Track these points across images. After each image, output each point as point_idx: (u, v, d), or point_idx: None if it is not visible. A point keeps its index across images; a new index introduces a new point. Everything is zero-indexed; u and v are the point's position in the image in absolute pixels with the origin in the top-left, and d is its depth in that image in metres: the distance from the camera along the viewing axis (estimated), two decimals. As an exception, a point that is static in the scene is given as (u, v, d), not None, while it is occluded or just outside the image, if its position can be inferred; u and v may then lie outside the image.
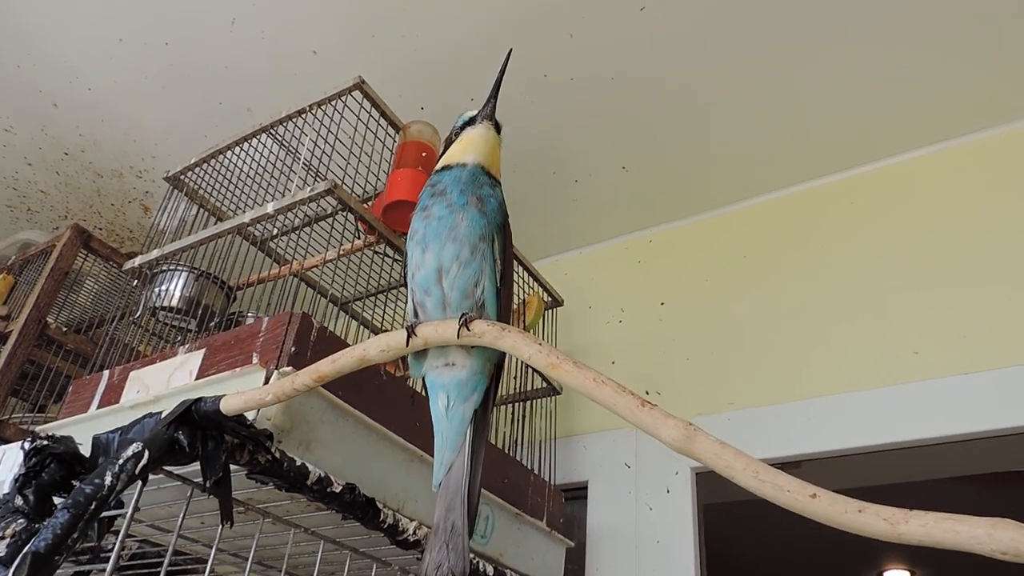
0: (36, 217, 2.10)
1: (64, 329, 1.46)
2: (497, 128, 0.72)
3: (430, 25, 1.52)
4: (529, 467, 1.45)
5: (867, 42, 1.43)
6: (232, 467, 0.80)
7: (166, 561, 0.84)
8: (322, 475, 0.90)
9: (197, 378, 0.99)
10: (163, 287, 1.25)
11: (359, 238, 1.21)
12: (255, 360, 0.94)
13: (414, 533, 1.00)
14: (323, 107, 1.26)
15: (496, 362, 0.62)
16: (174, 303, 1.24)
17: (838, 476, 1.52)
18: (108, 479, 0.65)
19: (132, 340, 1.27)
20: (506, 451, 1.43)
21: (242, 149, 1.36)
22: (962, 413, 1.31)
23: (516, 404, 1.50)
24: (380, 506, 0.96)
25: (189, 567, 1.14)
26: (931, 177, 1.59)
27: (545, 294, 1.64)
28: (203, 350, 1.03)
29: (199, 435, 0.76)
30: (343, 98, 1.24)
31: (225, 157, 1.38)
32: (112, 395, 1.08)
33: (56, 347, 1.46)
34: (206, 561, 0.97)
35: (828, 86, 1.52)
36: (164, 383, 1.03)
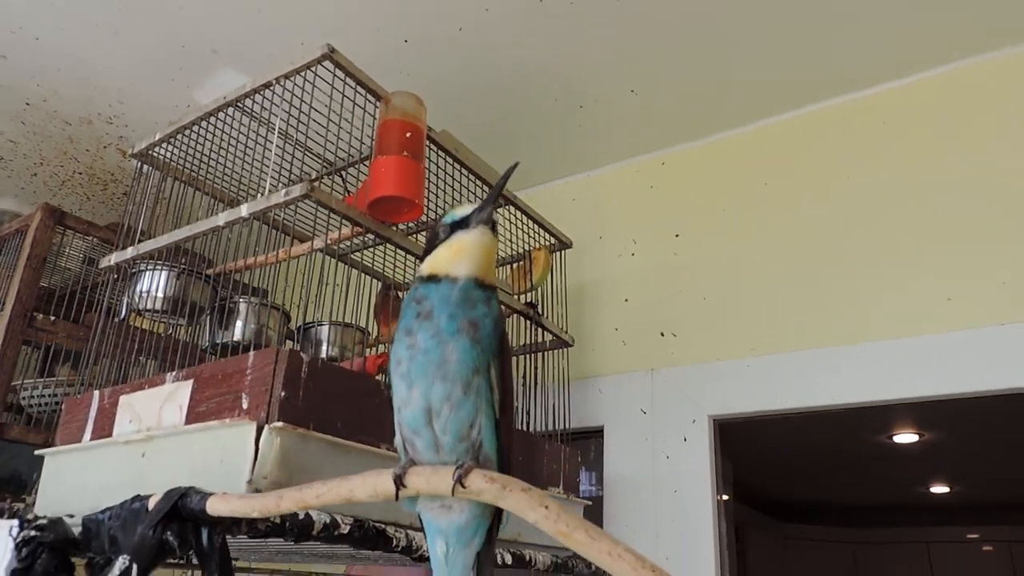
0: (10, 166, 1.99)
1: (52, 318, 1.41)
2: (493, 229, 0.61)
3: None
4: (543, 414, 1.43)
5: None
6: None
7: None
8: (327, 521, 0.86)
9: (187, 417, 0.94)
10: (144, 289, 1.17)
11: (346, 225, 1.12)
12: (244, 404, 0.88)
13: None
14: (291, 78, 1.12)
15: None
16: (157, 305, 1.17)
17: (860, 427, 1.49)
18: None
19: (120, 337, 1.21)
20: (517, 408, 1.40)
21: (209, 123, 1.23)
22: (996, 366, 1.25)
23: (527, 355, 1.45)
24: (391, 533, 0.94)
25: None
26: (983, 92, 1.43)
27: (552, 238, 1.55)
28: (191, 381, 0.97)
29: (189, 528, 0.72)
30: (313, 68, 1.10)
31: (194, 130, 1.25)
32: (104, 422, 1.04)
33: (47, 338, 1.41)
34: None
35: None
36: (155, 416, 0.98)
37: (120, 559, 0.66)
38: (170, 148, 1.29)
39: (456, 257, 0.58)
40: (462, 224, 0.59)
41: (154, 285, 1.17)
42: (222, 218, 1.08)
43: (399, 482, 0.53)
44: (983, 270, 1.31)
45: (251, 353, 0.92)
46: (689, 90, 1.59)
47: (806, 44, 1.45)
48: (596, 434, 1.62)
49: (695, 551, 1.40)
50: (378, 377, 1.04)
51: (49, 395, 1.58)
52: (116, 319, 1.20)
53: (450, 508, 0.55)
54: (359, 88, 1.14)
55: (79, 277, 1.64)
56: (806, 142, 1.58)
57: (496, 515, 0.58)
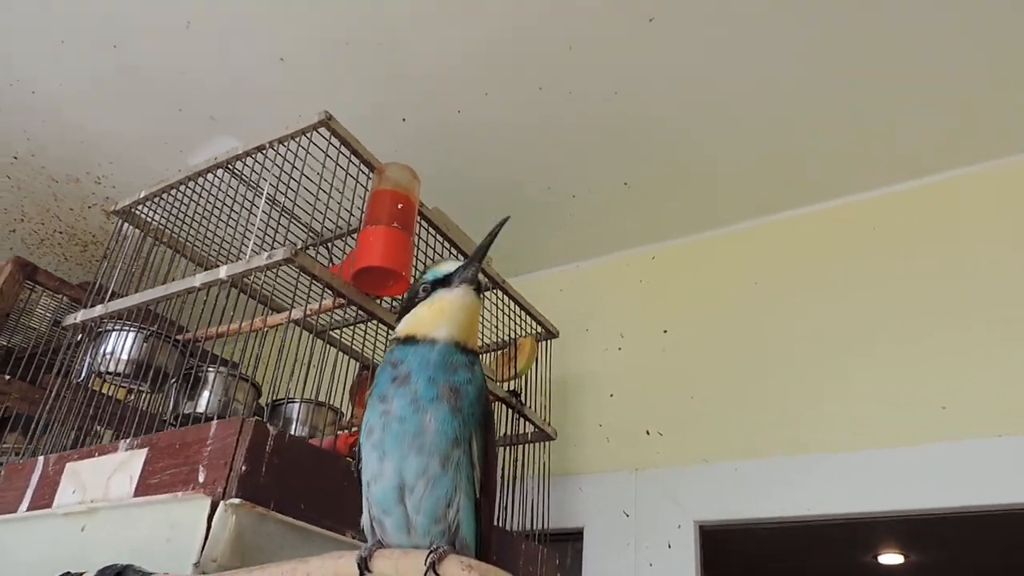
0: (-11, 221, 1.94)
1: (7, 377, 1.33)
2: (478, 290, 0.57)
3: (414, 35, 1.35)
4: (521, 514, 1.35)
5: (883, 59, 1.27)
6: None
7: None
8: (278, 615, 0.78)
9: (137, 489, 0.86)
10: (108, 350, 1.11)
11: (328, 296, 1.07)
12: (201, 478, 0.81)
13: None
14: (285, 143, 1.10)
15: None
16: (120, 368, 1.10)
17: (845, 545, 1.42)
18: None
19: (77, 401, 1.13)
20: (496, 499, 1.32)
21: (197, 184, 1.20)
22: (994, 479, 1.20)
23: (507, 448, 1.39)
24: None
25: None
26: (977, 197, 1.44)
27: (539, 327, 1.51)
28: (146, 450, 0.90)
29: (125, 610, 0.64)
30: (308, 134, 1.08)
31: (179, 191, 1.22)
32: (46, 491, 0.96)
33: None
34: None
35: (847, 102, 1.36)
36: (102, 486, 0.90)
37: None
38: (154, 208, 1.26)
39: (437, 318, 0.54)
40: (444, 282, 0.55)
41: (119, 346, 1.11)
42: (199, 279, 1.04)
43: (364, 565, 0.47)
44: (978, 377, 1.28)
45: (213, 422, 0.86)
46: (681, 187, 1.60)
47: (798, 149, 1.47)
48: (575, 535, 1.53)
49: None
50: (349, 458, 0.97)
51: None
52: (75, 381, 1.12)
53: (421, 599, 0.48)
54: (353, 157, 1.13)
55: (43, 338, 1.57)
56: (798, 243, 1.58)
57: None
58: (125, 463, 0.90)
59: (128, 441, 0.92)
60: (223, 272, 1.01)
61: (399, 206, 1.05)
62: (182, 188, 1.22)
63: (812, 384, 1.42)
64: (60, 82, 1.54)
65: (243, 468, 0.79)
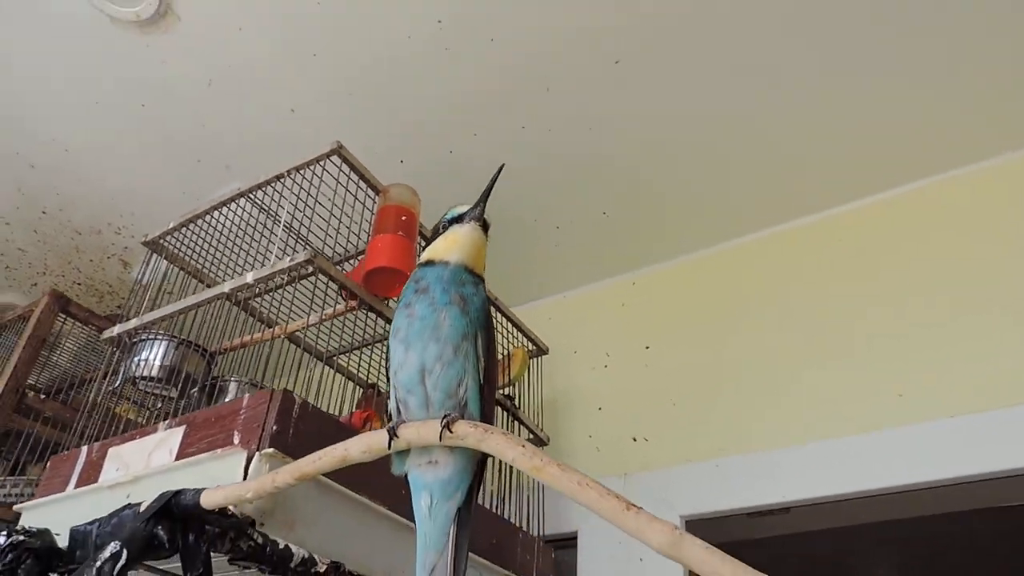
0: (14, 274, 2.08)
1: (42, 396, 1.44)
2: (485, 228, 0.73)
3: (409, 84, 1.53)
4: (517, 519, 1.44)
5: (842, 84, 1.45)
6: (213, 554, 0.79)
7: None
8: (306, 556, 0.88)
9: (177, 457, 0.97)
10: (142, 356, 1.23)
11: (340, 303, 1.21)
12: (236, 440, 0.93)
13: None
14: (301, 171, 1.26)
15: (479, 458, 0.62)
16: (153, 373, 1.23)
17: (827, 521, 1.52)
18: (86, 585, 0.64)
19: (113, 405, 1.25)
20: (493, 505, 1.42)
21: (221, 213, 1.35)
22: (949, 457, 1.32)
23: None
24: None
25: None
26: (913, 217, 1.61)
27: (529, 344, 1.64)
28: (183, 427, 1.01)
29: (179, 527, 0.75)
30: (321, 162, 1.24)
31: (204, 221, 1.37)
32: (90, 473, 1.07)
33: (35, 414, 1.44)
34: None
35: (803, 129, 1.54)
36: (144, 462, 1.01)
37: (112, 543, 0.68)
38: (180, 238, 1.41)
39: (451, 247, 0.68)
40: (458, 220, 0.70)
41: (153, 354, 1.24)
42: (227, 286, 1.17)
43: (392, 433, 0.59)
44: (929, 368, 1.41)
45: (245, 395, 0.98)
46: (655, 215, 1.76)
47: (764, 172, 1.65)
48: (570, 540, 1.62)
49: (670, 654, 1.37)
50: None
51: (16, 494, 1.57)
52: (110, 388, 1.24)
53: (436, 464, 0.60)
54: (360, 183, 1.29)
55: (68, 375, 1.68)
56: (764, 261, 1.73)
57: (477, 475, 0.63)
58: (164, 440, 1.02)
59: (167, 422, 1.04)
60: (250, 277, 1.15)
61: (403, 218, 1.21)
62: (207, 219, 1.37)
63: (781, 386, 1.55)
64: (91, 140, 1.71)
65: (274, 428, 0.92)
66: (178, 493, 0.74)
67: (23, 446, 1.54)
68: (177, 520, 0.74)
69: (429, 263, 0.68)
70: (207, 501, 0.72)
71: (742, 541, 1.74)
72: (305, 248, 1.38)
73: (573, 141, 1.60)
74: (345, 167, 1.26)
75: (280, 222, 1.26)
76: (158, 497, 0.75)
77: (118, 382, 1.24)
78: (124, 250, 2.00)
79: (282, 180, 1.28)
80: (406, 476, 0.63)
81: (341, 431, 1.02)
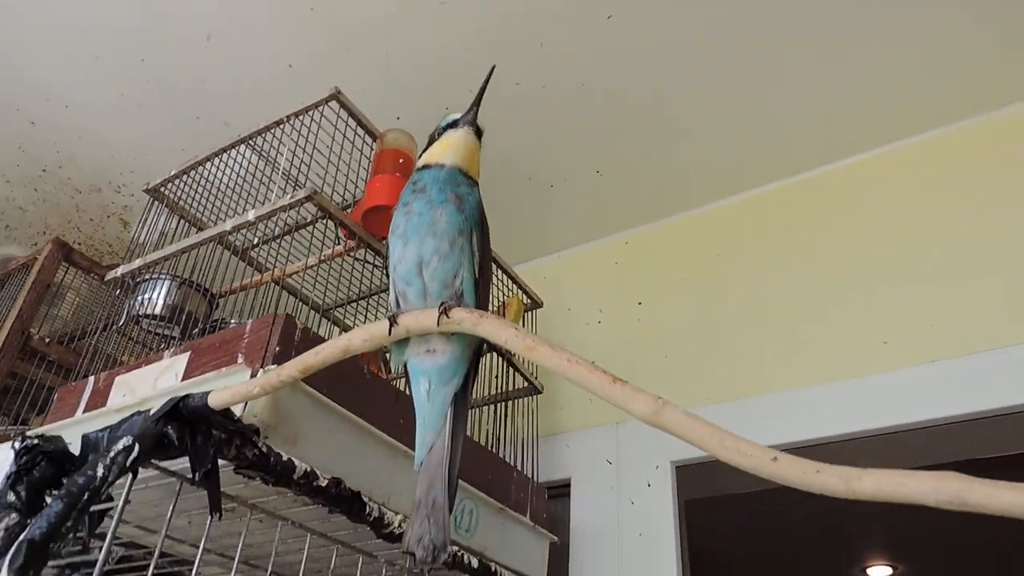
0: (14, 234, 2.10)
1: (47, 340, 1.47)
2: (478, 133, 0.76)
3: (405, 39, 1.56)
4: (512, 465, 1.48)
5: (833, 44, 1.48)
6: (220, 462, 0.82)
7: (153, 562, 0.85)
8: (308, 469, 0.92)
9: (183, 379, 1.01)
10: (146, 295, 1.26)
11: (339, 244, 1.24)
12: (240, 360, 0.96)
13: (399, 526, 1.03)
14: (300, 117, 1.28)
15: (475, 348, 0.65)
16: (157, 311, 1.26)
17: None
18: (100, 471, 0.67)
19: (115, 350, 1.28)
20: (490, 448, 1.46)
21: (221, 160, 1.38)
22: (930, 399, 1.36)
23: (498, 404, 1.53)
24: (366, 499, 0.99)
25: (175, 570, 1.15)
26: (894, 174, 1.65)
27: (524, 296, 1.67)
28: (188, 353, 1.05)
29: (187, 430, 0.78)
30: (320, 108, 1.27)
31: (205, 168, 1.40)
32: (98, 399, 1.10)
33: (39, 359, 1.47)
34: (192, 563, 0.98)
35: (794, 88, 1.57)
36: (151, 386, 1.05)
37: (125, 438, 0.72)
38: (180, 186, 1.44)
39: (445, 150, 0.72)
40: (452, 126, 0.73)
41: (156, 293, 1.27)
42: (230, 223, 1.20)
43: (392, 321, 0.63)
44: (913, 316, 1.45)
45: (249, 321, 1.01)
46: (648, 174, 1.79)
47: (754, 133, 1.68)
48: (564, 486, 1.66)
49: (660, 590, 1.41)
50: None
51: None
52: (114, 327, 1.28)
53: (434, 352, 0.64)
54: (359, 129, 1.31)
55: (68, 328, 1.71)
56: (753, 219, 1.77)
57: (473, 363, 0.66)
58: (170, 366, 1.05)
59: (172, 350, 1.07)
60: (251, 214, 1.18)
61: (400, 160, 1.24)
62: (207, 167, 1.40)
63: (768, 340, 1.59)
64: (91, 96, 1.74)
65: (276, 349, 0.95)
66: (186, 397, 0.78)
67: (25, 395, 1.57)
68: (186, 423, 0.77)
69: (426, 167, 0.71)
70: (215, 400, 0.75)
71: (732, 490, 1.79)
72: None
73: (566, 98, 1.63)
74: (343, 113, 1.29)
75: (279, 169, 1.29)
76: (167, 401, 0.78)
77: (122, 321, 1.27)
78: (124, 208, 2.02)
79: (281, 126, 1.31)
80: (406, 367, 0.66)
81: (340, 361, 1.05)
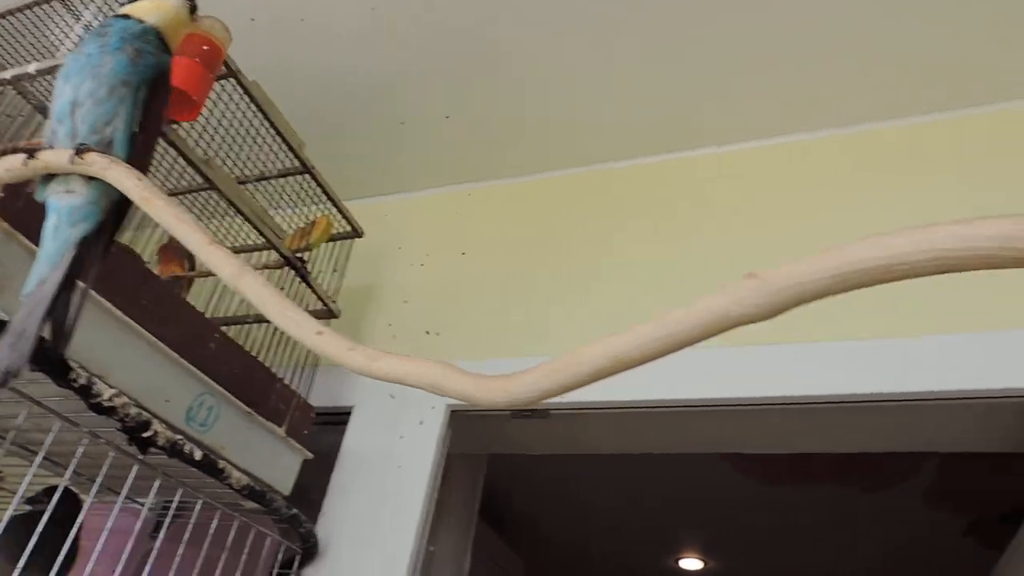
0: None
1: None
2: (192, 8, 0.76)
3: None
4: (281, 379, 1.49)
5: (675, 46, 1.53)
6: None
7: None
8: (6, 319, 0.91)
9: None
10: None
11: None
12: (-42, 200, 0.94)
13: (110, 400, 1.03)
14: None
15: (115, 199, 0.66)
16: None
17: (591, 426, 1.62)
18: None
19: None
20: (268, 365, 1.46)
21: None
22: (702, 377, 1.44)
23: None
24: (73, 364, 0.98)
25: None
26: (721, 171, 1.72)
27: (347, 224, 1.68)
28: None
29: None
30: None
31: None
32: None
33: None
34: None
35: (637, 79, 1.62)
36: None
37: None
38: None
39: (152, 10, 0.72)
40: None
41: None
42: (8, 73, 1.17)
43: (32, 154, 0.63)
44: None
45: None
46: (494, 130, 1.82)
47: (582, 112, 1.72)
48: (345, 415, 1.69)
49: (406, 517, 1.46)
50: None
51: None
52: None
53: (72, 192, 0.64)
54: None
55: None
56: (579, 195, 1.83)
57: (111, 216, 0.67)
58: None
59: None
60: (32, 68, 1.14)
61: (204, 47, 1.22)
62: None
63: (564, 303, 1.65)
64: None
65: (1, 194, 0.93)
66: None
67: None
68: None
69: (127, 16, 0.71)
70: None
71: (504, 447, 1.85)
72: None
73: (419, 33, 1.63)
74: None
75: (81, 19, 1.25)
76: None
77: None
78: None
79: (97, -12, 1.27)
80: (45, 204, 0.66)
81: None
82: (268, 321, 1.60)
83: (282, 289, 1.58)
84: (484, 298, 1.75)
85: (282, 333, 1.61)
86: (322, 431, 1.65)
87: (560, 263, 1.73)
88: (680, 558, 4.03)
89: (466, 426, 1.65)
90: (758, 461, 2.77)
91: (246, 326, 1.62)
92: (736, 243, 1.59)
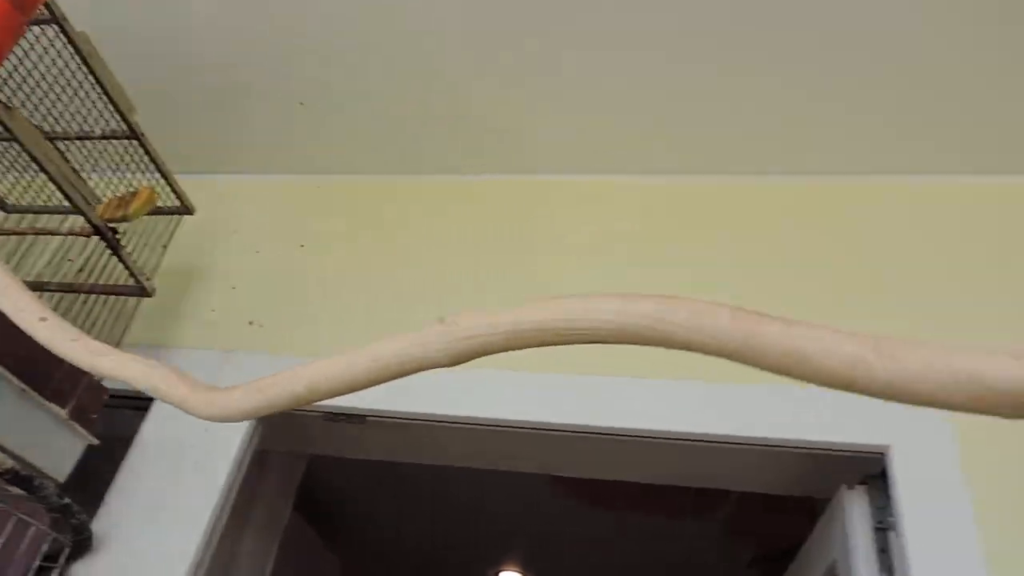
0: None
1: None
2: None
3: None
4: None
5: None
6: None
7: None
8: None
9: None
10: None
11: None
12: None
13: None
14: None
15: None
16: None
17: (402, 434, 1.61)
18: None
19: None
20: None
21: None
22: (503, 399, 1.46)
23: (88, 295, 1.43)
24: None
25: None
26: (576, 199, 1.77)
27: (177, 199, 1.58)
28: None
29: None
30: None
31: None
32: None
33: None
34: None
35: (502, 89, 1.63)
36: None
37: None
38: None
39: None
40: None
41: None
42: None
43: None
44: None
45: None
46: (346, 122, 1.77)
47: (431, 118, 1.72)
48: (150, 401, 1.58)
49: (196, 516, 1.39)
50: None
51: None
52: None
53: None
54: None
55: None
56: (428, 201, 1.82)
57: None
58: None
59: None
60: None
61: (19, -12, 1.11)
62: None
63: (375, 307, 1.64)
64: None
65: None
66: None
67: None
68: None
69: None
70: None
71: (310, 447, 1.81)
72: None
73: (286, 7, 1.55)
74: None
75: None
76: None
77: None
78: None
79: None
80: None
81: None
82: (77, 291, 1.49)
83: (88, 259, 1.48)
84: (316, 293, 1.70)
85: (104, 304, 1.52)
86: (129, 417, 1.55)
87: (385, 265, 1.72)
88: (500, 570, 4.09)
89: (280, 424, 1.59)
90: (573, 484, 2.86)
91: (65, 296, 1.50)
92: (536, 271, 1.63)
